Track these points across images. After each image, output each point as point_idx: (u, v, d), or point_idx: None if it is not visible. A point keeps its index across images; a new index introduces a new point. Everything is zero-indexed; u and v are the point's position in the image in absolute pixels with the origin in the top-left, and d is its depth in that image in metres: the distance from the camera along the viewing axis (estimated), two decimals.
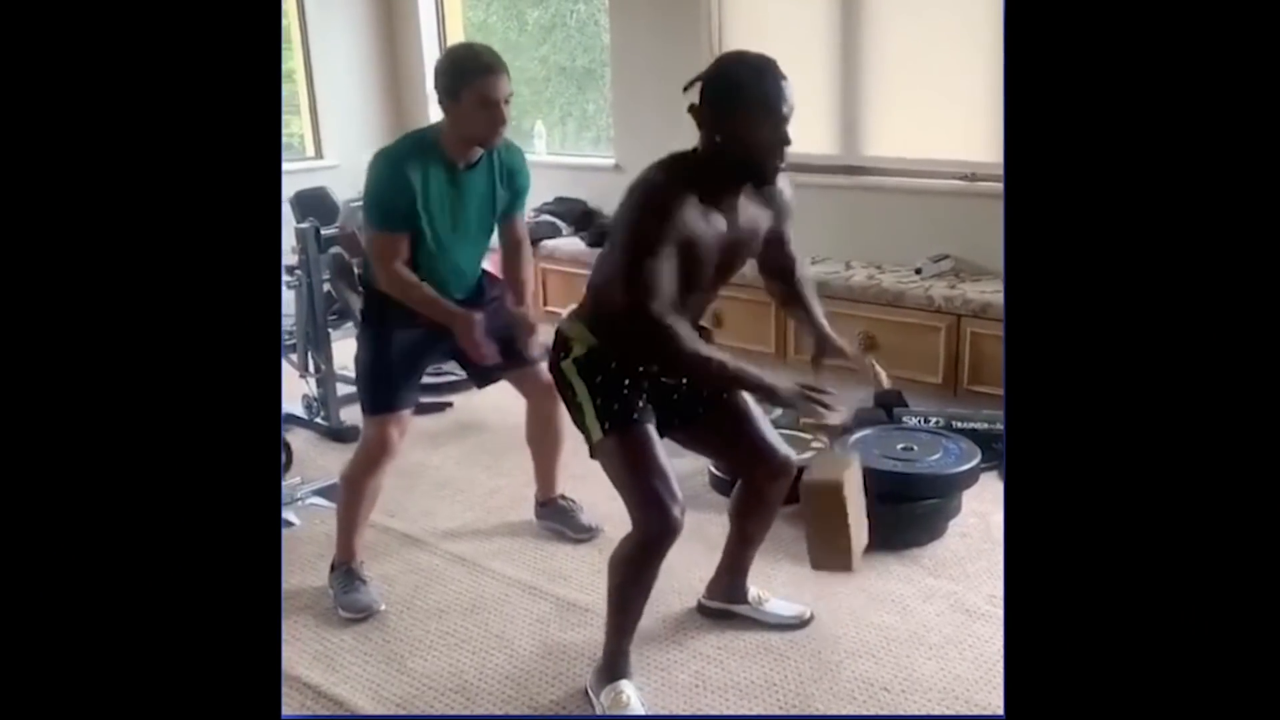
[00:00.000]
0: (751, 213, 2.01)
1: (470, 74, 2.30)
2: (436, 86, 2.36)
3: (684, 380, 2.15)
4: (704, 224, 1.89)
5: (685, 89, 1.93)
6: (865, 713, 2.08)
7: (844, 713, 2.08)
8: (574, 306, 2.17)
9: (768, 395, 1.92)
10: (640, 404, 2.02)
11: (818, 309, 2.23)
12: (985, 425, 3.19)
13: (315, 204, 3.48)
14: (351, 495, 2.54)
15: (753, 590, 2.42)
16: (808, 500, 2.09)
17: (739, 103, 1.85)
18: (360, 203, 2.65)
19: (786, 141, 1.88)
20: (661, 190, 1.87)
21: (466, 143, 2.39)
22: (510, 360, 2.62)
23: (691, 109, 1.90)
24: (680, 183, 1.87)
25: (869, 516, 2.21)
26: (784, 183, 2.06)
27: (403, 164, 2.35)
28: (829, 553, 2.09)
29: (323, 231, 3.45)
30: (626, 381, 2.02)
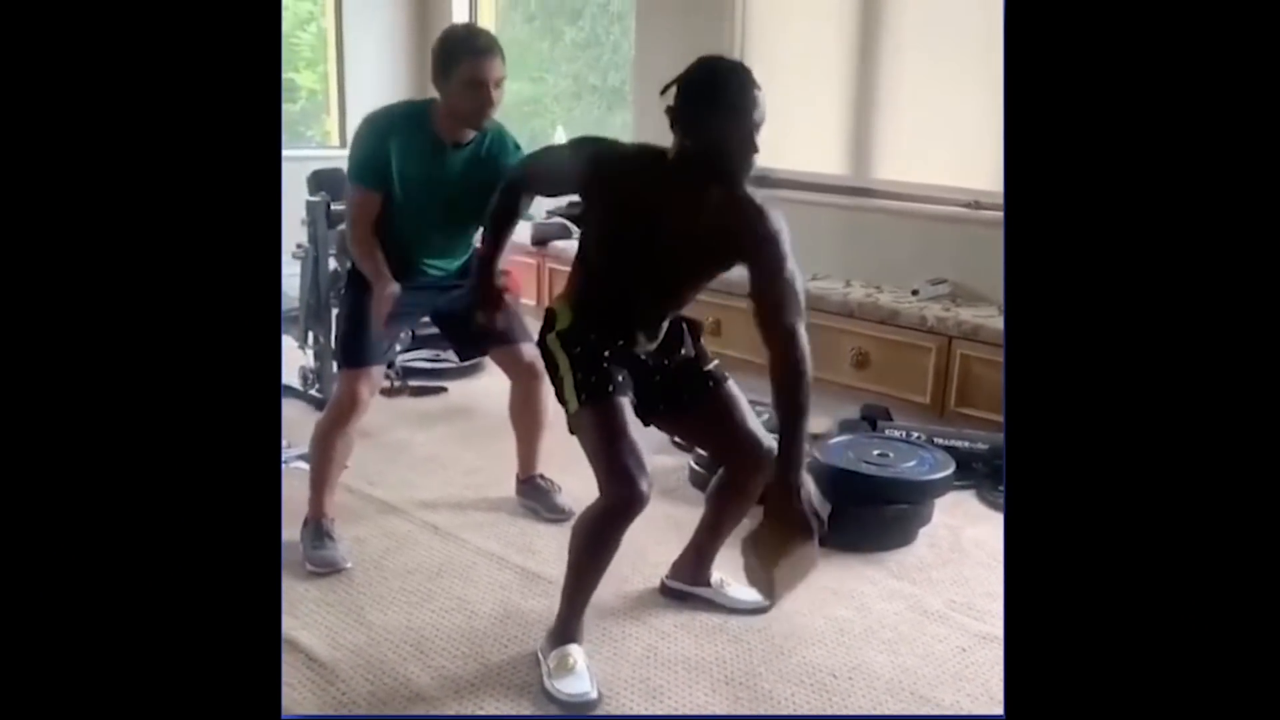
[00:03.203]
0: (716, 223, 1.99)
1: (461, 54, 2.36)
2: (431, 64, 2.43)
3: (666, 362, 2.20)
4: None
5: (662, 92, 1.98)
6: (810, 698, 2.09)
7: (790, 694, 2.09)
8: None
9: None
10: (618, 378, 2.07)
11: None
12: (966, 444, 3.20)
13: (330, 182, 3.59)
14: (321, 450, 2.58)
15: (716, 575, 2.44)
16: (756, 537, 2.04)
17: (711, 105, 1.91)
18: None
19: (754, 149, 1.92)
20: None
21: (455, 121, 2.46)
22: (494, 338, 2.68)
23: (668, 110, 1.97)
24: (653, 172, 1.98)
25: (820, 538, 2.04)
26: (759, 215, 1.97)
27: (384, 124, 2.44)
28: (761, 571, 2.05)
29: (333, 207, 3.53)
30: (605, 354, 2.07)
